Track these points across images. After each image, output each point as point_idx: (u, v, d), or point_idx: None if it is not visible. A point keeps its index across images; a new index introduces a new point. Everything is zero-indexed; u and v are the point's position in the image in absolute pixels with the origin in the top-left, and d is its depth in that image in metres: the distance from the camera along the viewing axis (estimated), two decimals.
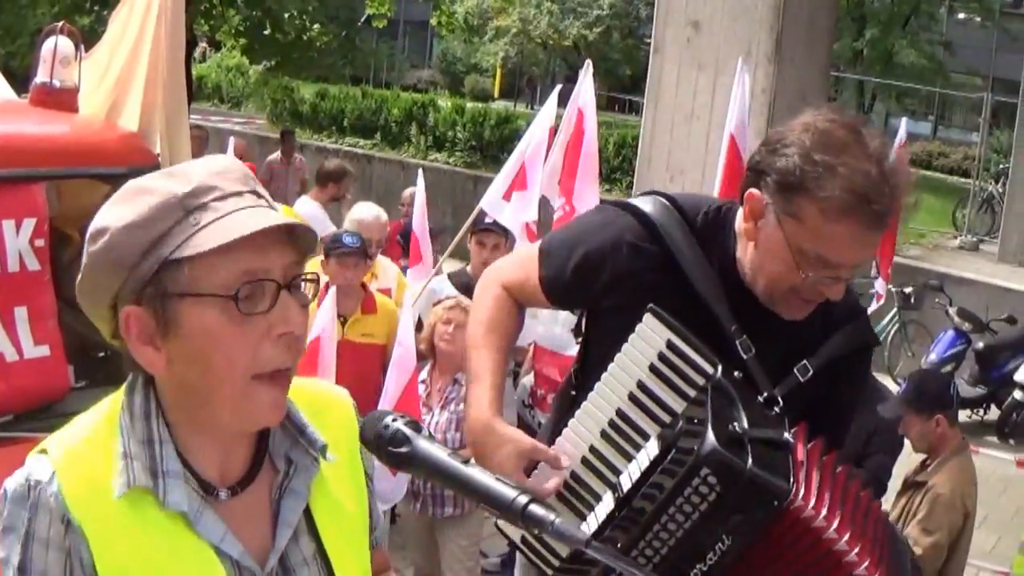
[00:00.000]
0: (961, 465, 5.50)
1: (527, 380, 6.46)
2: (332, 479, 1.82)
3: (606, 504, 2.49)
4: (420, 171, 7.28)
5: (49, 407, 3.87)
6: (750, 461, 2.29)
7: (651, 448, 2.45)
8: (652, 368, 2.53)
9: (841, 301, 2.60)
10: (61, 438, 1.70)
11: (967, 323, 12.31)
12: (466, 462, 1.63)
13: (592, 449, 2.58)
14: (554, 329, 6.13)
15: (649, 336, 2.53)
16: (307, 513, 1.78)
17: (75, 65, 4.49)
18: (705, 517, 2.31)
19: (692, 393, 2.48)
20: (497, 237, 6.66)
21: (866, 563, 2.33)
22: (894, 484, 5.74)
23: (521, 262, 2.94)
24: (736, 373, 2.54)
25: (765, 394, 2.56)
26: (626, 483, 2.45)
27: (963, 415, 10.99)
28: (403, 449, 1.66)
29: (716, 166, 6.23)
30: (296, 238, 1.68)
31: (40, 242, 3.91)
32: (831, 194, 2.38)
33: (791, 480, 2.33)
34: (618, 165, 19.21)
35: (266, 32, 22.34)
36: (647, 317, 2.53)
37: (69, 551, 1.62)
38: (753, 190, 2.53)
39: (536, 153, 6.42)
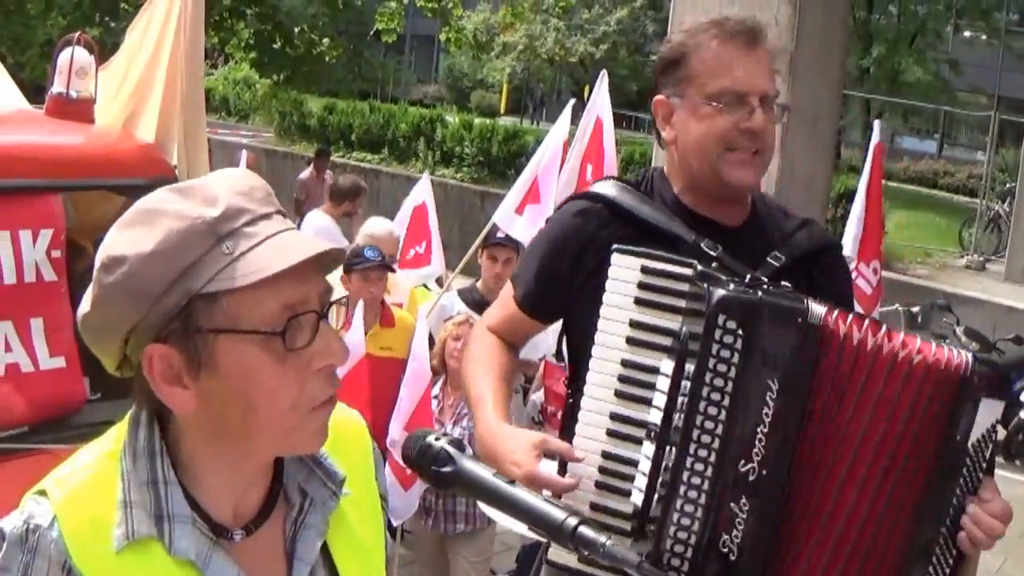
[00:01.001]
0: None
1: (537, 397, 6.43)
2: (350, 511, 1.74)
3: (646, 454, 2.40)
4: (426, 173, 7.29)
5: (65, 419, 3.86)
6: (760, 294, 2.32)
7: (666, 367, 2.38)
8: (637, 301, 2.50)
9: (796, 220, 2.84)
10: (61, 479, 1.57)
11: (974, 343, 12.28)
12: (511, 482, 1.60)
13: (613, 416, 2.51)
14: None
15: (623, 273, 2.52)
16: (324, 548, 1.69)
17: (92, 75, 4.49)
18: (742, 366, 2.28)
19: (682, 304, 2.45)
20: (509, 251, 6.65)
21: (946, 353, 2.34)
22: None
23: (500, 301, 3.01)
24: (713, 265, 2.55)
25: (748, 276, 2.50)
26: (656, 416, 2.37)
27: None
28: (447, 469, 1.62)
29: None
30: (322, 261, 1.55)
31: (57, 253, 3.90)
32: (701, 39, 2.69)
33: (807, 303, 2.34)
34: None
35: (276, 46, 22.37)
36: (614, 256, 2.53)
37: None
38: (656, 98, 2.80)
39: (550, 167, 6.44)
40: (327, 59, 23.22)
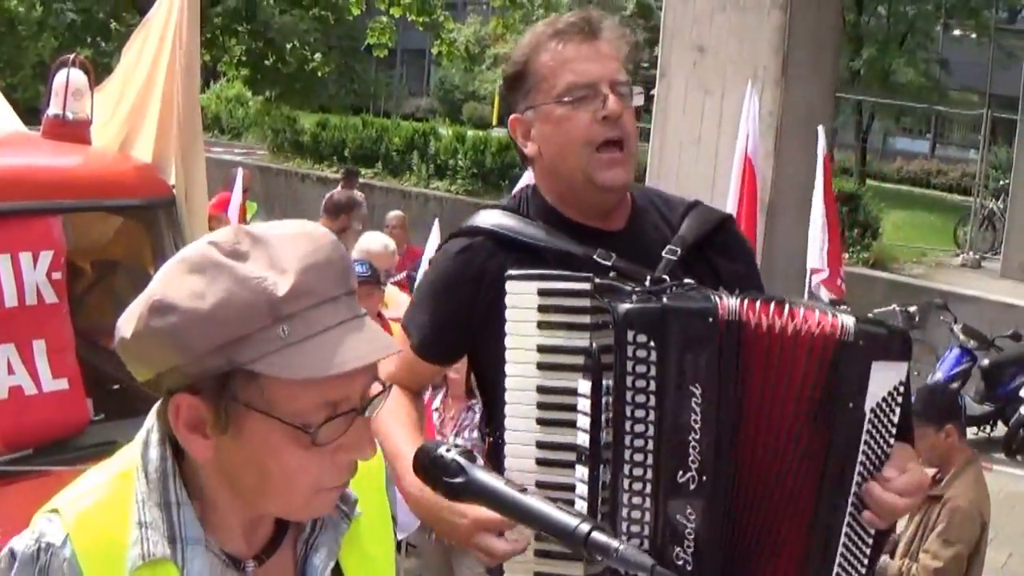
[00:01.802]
0: (975, 476, 5.54)
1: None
2: (363, 531, 1.72)
3: (581, 477, 2.33)
4: (436, 222, 7.31)
5: (68, 440, 3.85)
6: (664, 300, 2.27)
7: (583, 387, 2.32)
8: (540, 324, 2.42)
9: (680, 207, 2.76)
10: (72, 498, 1.54)
11: (972, 340, 12.28)
12: (523, 490, 1.59)
13: (540, 444, 2.43)
14: None
15: (520, 300, 2.44)
16: (336, 568, 1.68)
17: (88, 97, 4.49)
18: (660, 378, 2.22)
19: (587, 320, 2.38)
20: None
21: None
22: None
23: (398, 355, 2.81)
24: (611, 275, 2.49)
25: (649, 277, 2.46)
26: (584, 438, 2.31)
27: (970, 432, 10.94)
28: (458, 479, 1.62)
29: (725, 189, 6.24)
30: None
31: (57, 275, 3.89)
32: (537, 45, 2.63)
33: (715, 299, 2.29)
34: None
35: (268, 62, 22.40)
36: (508, 284, 2.45)
37: None
38: (510, 118, 2.71)
39: None
40: (319, 74, 23.26)
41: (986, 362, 12.03)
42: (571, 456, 2.36)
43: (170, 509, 1.53)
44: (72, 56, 4.51)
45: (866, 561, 2.40)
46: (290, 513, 1.59)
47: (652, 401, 2.24)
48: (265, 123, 27.31)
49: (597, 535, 1.49)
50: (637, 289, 2.34)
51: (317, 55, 22.91)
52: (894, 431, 2.36)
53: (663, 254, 2.62)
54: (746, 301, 2.30)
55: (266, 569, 1.62)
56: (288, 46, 22.06)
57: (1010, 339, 12.35)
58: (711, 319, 2.27)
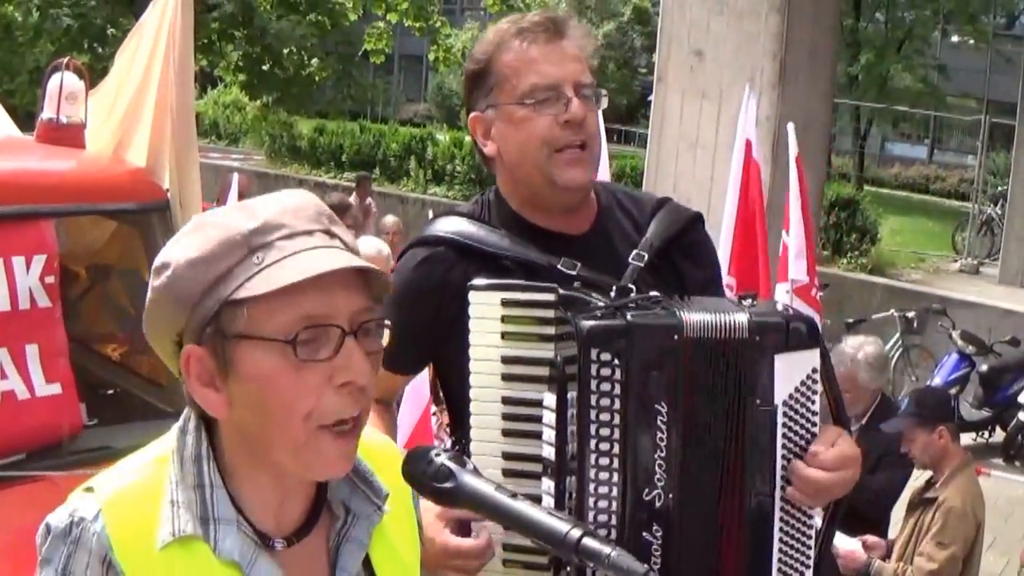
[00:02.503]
0: (969, 477, 5.56)
1: None
2: (391, 529, 1.75)
3: (547, 490, 2.34)
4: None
5: (62, 445, 3.84)
6: (629, 317, 2.25)
7: (549, 400, 2.32)
8: (504, 335, 2.42)
9: (647, 206, 2.72)
10: (108, 478, 1.62)
11: (971, 346, 12.28)
12: (513, 496, 1.57)
13: (505, 455, 2.42)
14: None
15: (483, 310, 2.43)
16: (366, 562, 1.72)
17: (82, 101, 4.48)
18: (625, 396, 2.22)
19: (552, 331, 2.38)
20: None
21: None
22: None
23: None
24: (576, 284, 2.46)
25: (614, 288, 2.42)
26: (549, 451, 2.31)
27: (968, 438, 10.94)
28: (448, 484, 1.59)
29: (722, 194, 6.21)
30: (368, 281, 1.61)
31: (50, 279, 3.88)
32: (501, 44, 2.57)
33: (679, 314, 2.28)
34: None
35: (265, 67, 22.38)
36: (471, 295, 2.44)
37: None
38: (471, 116, 2.66)
39: None
40: (316, 80, 23.24)
41: (984, 368, 12.02)
42: (538, 467, 2.37)
43: (203, 490, 1.59)
44: (66, 60, 4.50)
45: (810, 545, 2.39)
46: (299, 461, 1.59)
47: (616, 419, 2.24)
48: (262, 129, 27.33)
49: (588, 541, 1.47)
50: (601, 304, 2.31)
51: (314, 60, 22.87)
52: (815, 419, 2.36)
53: (630, 260, 2.59)
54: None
55: (296, 551, 1.65)
56: (285, 51, 22.01)
57: (1008, 344, 12.35)
58: (675, 336, 2.26)
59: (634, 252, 2.60)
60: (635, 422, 2.23)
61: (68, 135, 4.43)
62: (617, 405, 2.23)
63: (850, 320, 12.56)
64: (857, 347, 6.12)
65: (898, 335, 13.01)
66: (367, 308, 1.60)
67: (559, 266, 2.53)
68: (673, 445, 2.25)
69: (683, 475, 2.27)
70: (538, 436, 2.35)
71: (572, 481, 2.27)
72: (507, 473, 2.43)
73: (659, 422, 2.24)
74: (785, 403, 2.31)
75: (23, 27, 20.72)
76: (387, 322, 1.65)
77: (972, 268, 18.37)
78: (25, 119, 5.52)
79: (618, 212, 2.72)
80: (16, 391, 3.76)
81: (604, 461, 2.24)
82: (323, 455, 1.58)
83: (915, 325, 13.00)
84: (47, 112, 4.42)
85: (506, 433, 2.43)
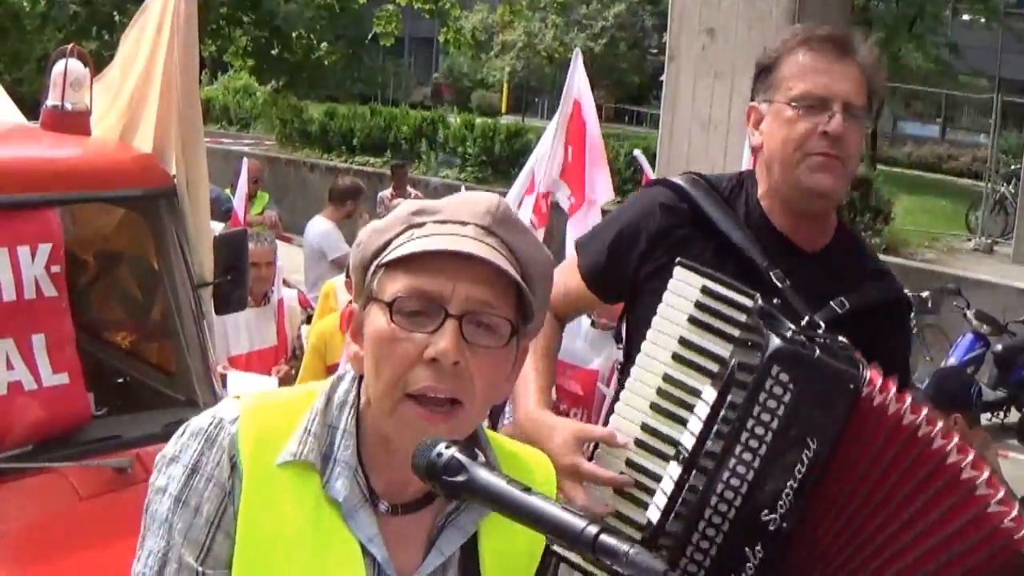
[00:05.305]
0: (990, 460, 5.46)
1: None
2: (514, 528, 1.68)
3: (670, 474, 2.41)
4: None
5: (70, 435, 3.80)
6: (817, 351, 2.33)
7: (708, 394, 2.40)
8: (691, 319, 2.50)
9: (874, 264, 2.91)
10: (257, 394, 1.81)
11: (985, 326, 12.22)
12: (527, 490, 1.51)
13: (644, 427, 2.50)
14: (576, 343, 6.05)
15: (683, 288, 2.52)
16: (472, 551, 1.80)
17: (87, 87, 4.43)
18: (785, 420, 2.30)
19: (736, 332, 2.46)
20: None
21: (986, 474, 2.48)
22: None
23: (562, 270, 2.90)
24: (775, 300, 2.54)
25: (807, 318, 2.54)
26: (689, 440, 2.39)
27: (983, 418, 10.88)
28: (459, 478, 1.54)
29: (734, 172, 6.16)
30: (514, 290, 1.70)
31: (56, 268, 3.83)
32: (792, 48, 2.73)
33: (860, 368, 2.35)
34: (630, 176, 19.14)
35: (274, 51, 22.36)
36: (677, 270, 2.54)
37: (228, 491, 1.69)
38: (749, 104, 2.84)
39: (543, 157, 6.43)
40: (326, 63, 23.21)
41: (999, 347, 11.97)
42: (670, 451, 2.45)
43: (336, 432, 1.74)
44: (70, 46, 4.45)
45: None
46: (388, 425, 1.70)
47: (768, 436, 2.32)
48: (273, 113, 27.30)
49: (605, 537, 1.42)
50: (794, 329, 2.40)
51: (323, 44, 22.83)
52: None
53: (831, 302, 2.69)
54: (889, 381, 2.38)
55: (400, 520, 1.76)
56: (294, 35, 21.97)
57: (1023, 324, 12.28)
58: (852, 386, 2.34)
59: (839, 298, 2.70)
60: (783, 446, 2.32)
61: (73, 122, 4.38)
62: (775, 425, 2.32)
63: None
64: None
65: (913, 315, 12.93)
66: (489, 304, 1.68)
67: (772, 274, 2.66)
68: (807, 482, 2.32)
69: (802, 512, 2.34)
70: (683, 422, 2.44)
71: (699, 476, 2.35)
72: (638, 443, 2.51)
73: (804, 455, 2.32)
74: None
75: (30, 15, 20.72)
76: (510, 320, 1.73)
77: (986, 247, 18.29)
78: (33, 107, 5.48)
79: (847, 254, 2.86)
80: (23, 382, 3.71)
81: (740, 470, 2.33)
82: (403, 422, 1.67)
83: (929, 305, 12.92)
84: (52, 99, 4.37)
85: (654, 408, 2.51)
